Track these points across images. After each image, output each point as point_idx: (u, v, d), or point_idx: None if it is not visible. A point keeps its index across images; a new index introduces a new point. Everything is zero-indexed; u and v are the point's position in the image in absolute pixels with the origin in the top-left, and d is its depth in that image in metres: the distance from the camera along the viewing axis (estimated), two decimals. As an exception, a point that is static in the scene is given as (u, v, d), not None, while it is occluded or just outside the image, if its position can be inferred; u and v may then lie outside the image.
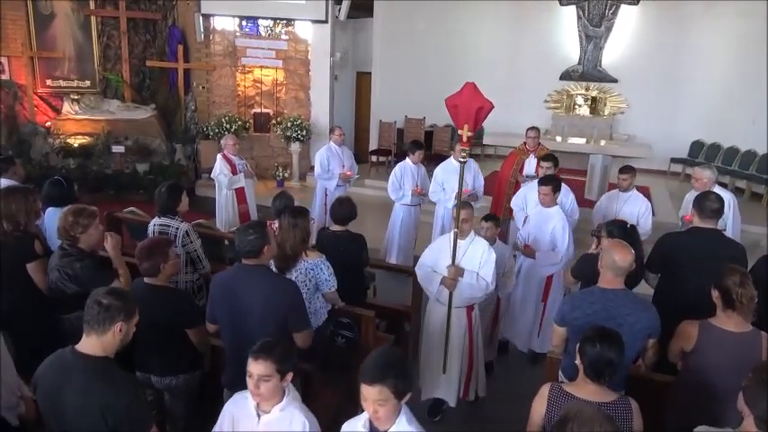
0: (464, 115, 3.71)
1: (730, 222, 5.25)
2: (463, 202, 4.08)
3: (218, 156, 7.01)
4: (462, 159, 3.88)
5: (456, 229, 3.97)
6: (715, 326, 2.95)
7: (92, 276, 3.42)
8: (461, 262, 4.03)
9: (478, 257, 4.06)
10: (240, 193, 7.04)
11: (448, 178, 6.38)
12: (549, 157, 6.10)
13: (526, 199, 5.83)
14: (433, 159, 9.38)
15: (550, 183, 5.08)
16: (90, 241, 3.55)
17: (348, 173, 7.20)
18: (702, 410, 2.86)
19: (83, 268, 3.44)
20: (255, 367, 2.34)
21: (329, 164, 7.11)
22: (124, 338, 2.43)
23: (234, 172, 6.91)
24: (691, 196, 5.43)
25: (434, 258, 4.19)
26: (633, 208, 5.59)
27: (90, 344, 2.37)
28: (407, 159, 6.77)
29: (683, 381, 3.10)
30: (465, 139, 3.82)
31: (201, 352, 3.45)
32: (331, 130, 7.61)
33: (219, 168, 6.88)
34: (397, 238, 6.82)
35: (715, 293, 2.97)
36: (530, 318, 5.17)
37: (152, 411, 3.49)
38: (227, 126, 10.16)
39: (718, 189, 5.38)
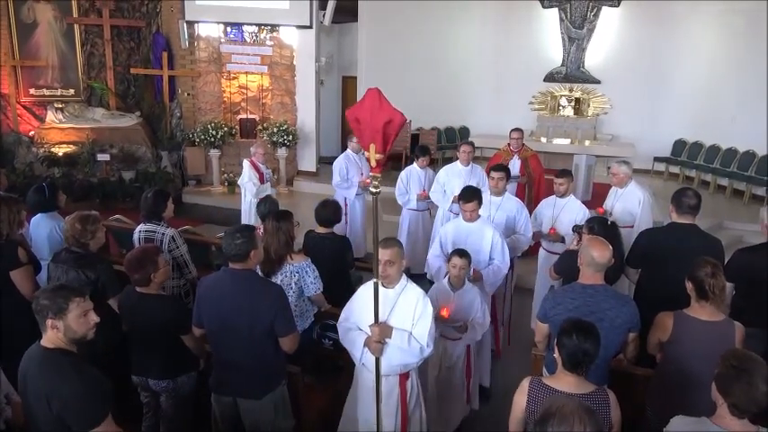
0: (369, 132, 2.83)
1: (638, 220, 5.34)
2: (387, 239, 3.29)
3: (246, 162, 7.07)
4: (374, 190, 2.92)
5: (376, 279, 3.05)
6: (689, 316, 3.04)
7: (111, 278, 3.68)
8: (390, 318, 3.19)
9: (411, 312, 3.20)
10: None
11: (450, 181, 6.34)
12: (501, 167, 5.61)
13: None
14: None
15: (475, 197, 4.57)
16: (98, 244, 3.83)
17: (367, 180, 7.05)
18: (680, 400, 2.94)
19: (102, 271, 3.68)
20: None
21: (348, 172, 7.00)
22: (69, 333, 2.48)
23: (261, 180, 7.01)
24: (612, 189, 5.73)
25: (359, 312, 3.33)
26: (571, 214, 5.32)
27: (44, 338, 2.51)
28: (414, 164, 6.85)
29: (661, 371, 3.17)
30: (374, 163, 2.87)
31: (198, 355, 3.49)
32: (349, 138, 7.43)
33: (248, 176, 6.94)
34: (404, 244, 6.73)
35: (689, 285, 3.07)
36: (488, 349, 4.68)
37: (147, 413, 3.58)
38: (214, 132, 10.15)
39: (634, 185, 5.58)
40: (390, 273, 3.18)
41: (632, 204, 5.45)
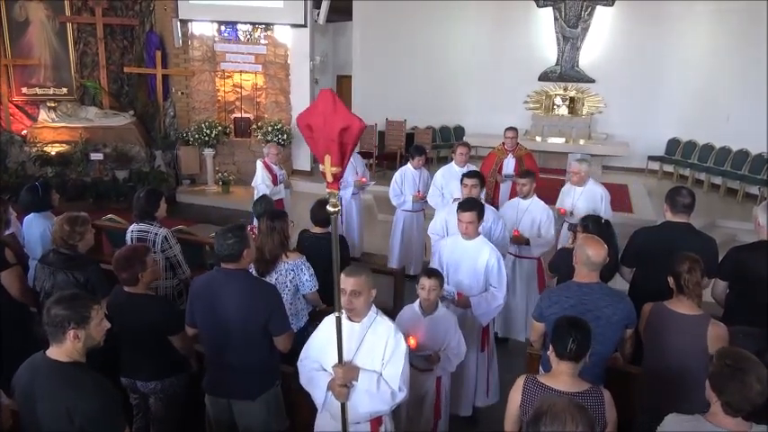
0: (323, 141, 2.45)
1: (603, 216, 5.32)
2: (354, 266, 2.92)
3: (259, 163, 6.88)
4: (332, 209, 2.55)
5: (338, 313, 2.60)
6: (667, 307, 3.13)
7: (101, 280, 3.63)
8: (356, 357, 2.76)
9: (381, 349, 2.76)
10: (279, 204, 6.81)
11: (448, 183, 6.21)
12: (474, 173, 5.06)
13: (447, 225, 4.90)
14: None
15: (474, 207, 4.05)
16: (87, 245, 3.77)
17: (363, 179, 7.06)
18: (659, 390, 3.02)
19: (93, 272, 3.63)
20: None
21: (343, 171, 6.90)
22: (88, 342, 2.40)
23: (275, 182, 6.82)
24: (567, 188, 5.77)
25: (320, 349, 2.89)
26: (534, 215, 5.22)
27: (54, 351, 2.39)
28: (408, 164, 6.76)
29: (645, 368, 3.23)
30: (330, 178, 2.51)
31: (186, 356, 3.46)
32: None
33: (261, 178, 6.75)
34: (398, 245, 6.78)
35: (670, 279, 3.15)
36: (471, 376, 4.23)
37: (137, 415, 3.55)
38: (208, 132, 10.12)
39: (592, 182, 5.64)
40: (356, 305, 2.74)
41: (595, 202, 5.49)
